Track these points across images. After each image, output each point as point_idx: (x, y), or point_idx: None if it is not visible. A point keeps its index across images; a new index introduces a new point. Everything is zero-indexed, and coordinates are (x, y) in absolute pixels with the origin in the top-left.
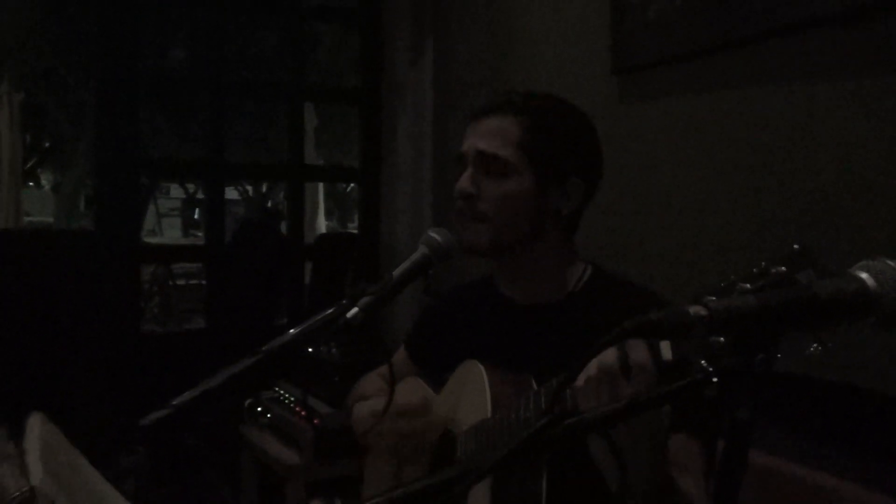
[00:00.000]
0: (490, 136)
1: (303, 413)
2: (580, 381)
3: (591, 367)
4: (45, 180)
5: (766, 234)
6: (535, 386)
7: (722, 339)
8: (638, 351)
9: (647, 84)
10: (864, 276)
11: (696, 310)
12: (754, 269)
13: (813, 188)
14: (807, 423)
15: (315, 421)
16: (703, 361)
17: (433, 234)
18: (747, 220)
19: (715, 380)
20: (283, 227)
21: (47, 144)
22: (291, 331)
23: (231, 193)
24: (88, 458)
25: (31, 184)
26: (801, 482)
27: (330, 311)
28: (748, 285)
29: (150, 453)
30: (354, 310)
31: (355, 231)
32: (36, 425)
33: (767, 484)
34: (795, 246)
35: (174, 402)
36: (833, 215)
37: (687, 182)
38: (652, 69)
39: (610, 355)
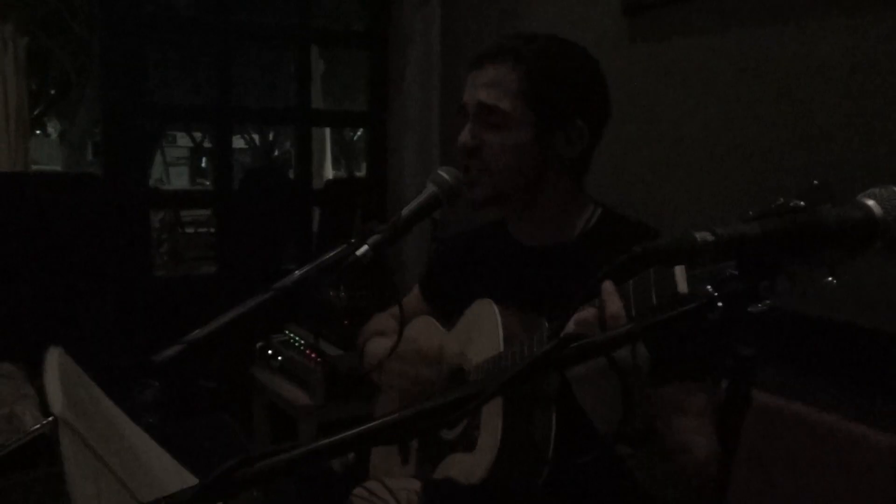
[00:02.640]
0: (489, 86)
1: (313, 355)
2: (570, 324)
3: (586, 311)
4: (52, 128)
5: (778, 173)
6: (546, 324)
7: (735, 271)
8: (613, 303)
9: (657, 24)
10: (870, 202)
11: (702, 235)
12: (772, 206)
13: (824, 126)
14: (811, 362)
15: (325, 363)
16: (708, 287)
17: (442, 173)
18: (758, 160)
19: (720, 304)
20: (291, 174)
21: (53, 92)
22: (301, 269)
23: (237, 143)
24: (106, 393)
25: (37, 132)
26: (805, 421)
27: (340, 248)
28: None
29: (165, 389)
30: (364, 248)
31: (363, 177)
32: (54, 359)
33: (771, 423)
34: (815, 181)
35: (187, 338)
36: (844, 153)
37: (698, 122)
38: (662, 8)
39: (588, 311)
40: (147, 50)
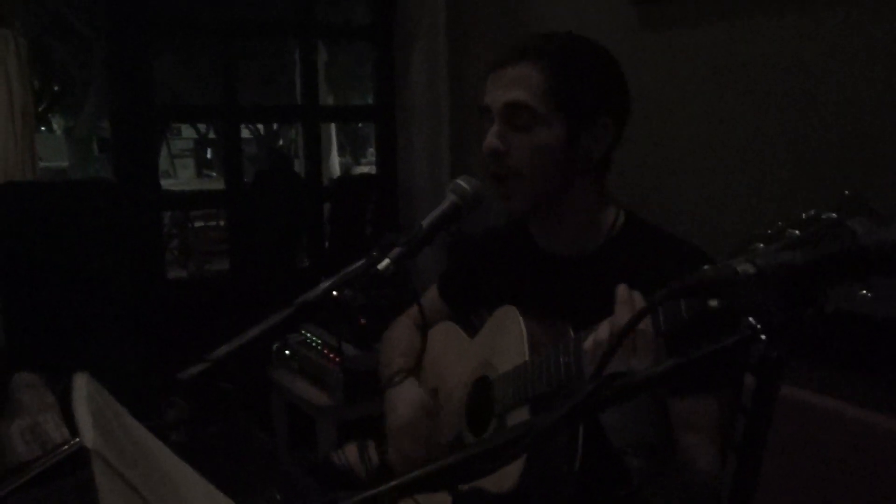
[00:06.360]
0: (513, 86)
1: (331, 355)
2: (588, 341)
3: (602, 330)
4: (57, 125)
5: (796, 166)
6: (572, 333)
7: (769, 295)
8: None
9: (667, 12)
10: None
11: (743, 268)
12: (804, 216)
13: (847, 117)
14: (837, 356)
15: (343, 362)
16: (750, 318)
17: (462, 183)
18: (778, 154)
19: (763, 337)
20: (296, 165)
21: (56, 88)
22: (323, 283)
23: (242, 132)
24: (131, 412)
25: (42, 129)
26: (831, 415)
27: (360, 262)
28: (797, 232)
29: (190, 407)
30: (386, 261)
31: (368, 167)
32: (82, 384)
33: (798, 417)
34: (846, 192)
35: (211, 356)
36: (868, 143)
37: (712, 114)
38: None
39: (624, 318)
40: (153, 49)
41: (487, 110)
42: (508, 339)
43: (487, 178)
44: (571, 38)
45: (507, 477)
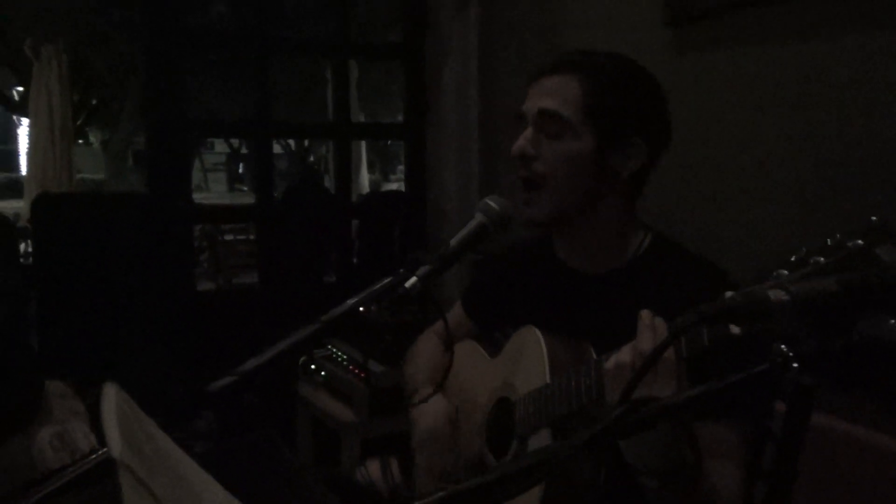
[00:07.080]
0: (550, 94)
1: (357, 371)
2: (610, 363)
3: (625, 353)
4: (94, 138)
5: (842, 196)
6: (594, 354)
7: (797, 322)
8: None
9: (702, 35)
10: None
11: (776, 294)
12: (829, 241)
13: (884, 146)
14: (864, 382)
15: (368, 378)
16: (782, 346)
17: (490, 202)
18: (814, 180)
19: (795, 365)
20: (326, 181)
21: (94, 102)
22: (350, 300)
23: (274, 148)
24: (158, 423)
25: (80, 142)
26: (857, 441)
27: (387, 280)
28: (822, 259)
29: (217, 419)
30: (413, 279)
31: (398, 184)
32: (111, 395)
33: (823, 444)
34: (873, 218)
35: (239, 370)
36: None
37: (747, 138)
38: (707, 19)
39: (647, 343)
40: (189, 66)
41: (522, 117)
42: (529, 360)
43: (516, 183)
44: (613, 56)
45: (528, 502)
